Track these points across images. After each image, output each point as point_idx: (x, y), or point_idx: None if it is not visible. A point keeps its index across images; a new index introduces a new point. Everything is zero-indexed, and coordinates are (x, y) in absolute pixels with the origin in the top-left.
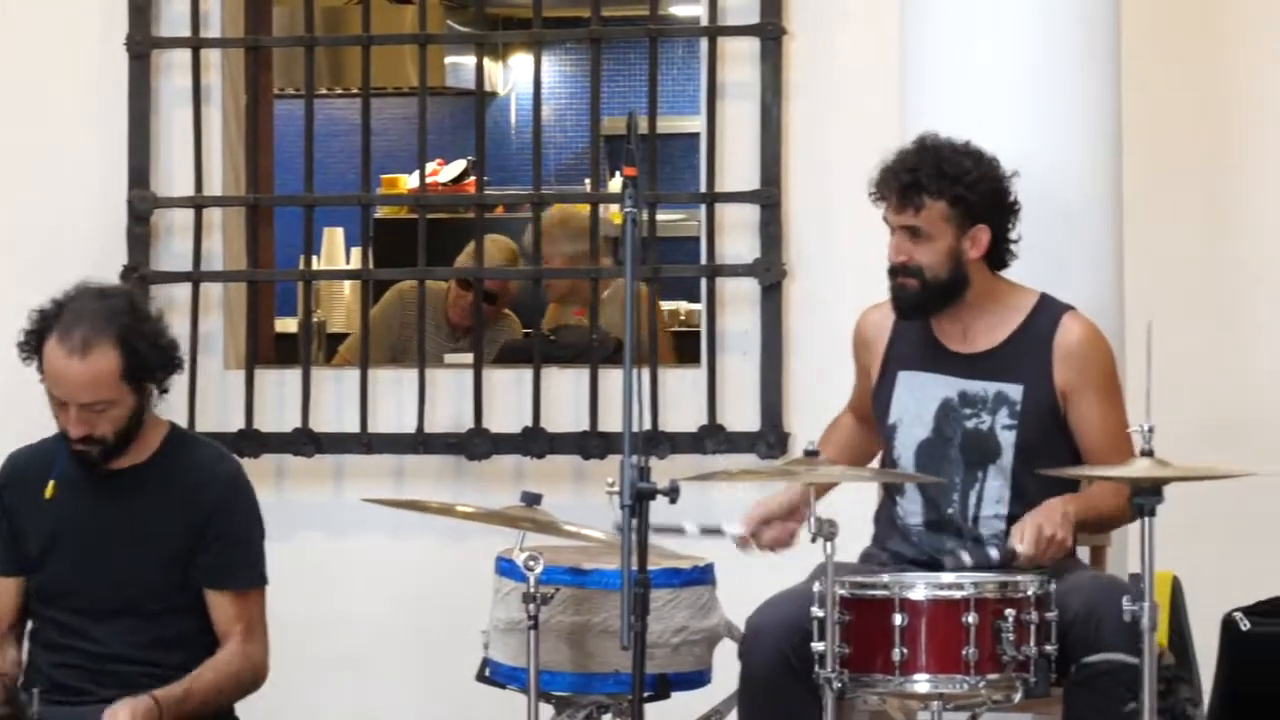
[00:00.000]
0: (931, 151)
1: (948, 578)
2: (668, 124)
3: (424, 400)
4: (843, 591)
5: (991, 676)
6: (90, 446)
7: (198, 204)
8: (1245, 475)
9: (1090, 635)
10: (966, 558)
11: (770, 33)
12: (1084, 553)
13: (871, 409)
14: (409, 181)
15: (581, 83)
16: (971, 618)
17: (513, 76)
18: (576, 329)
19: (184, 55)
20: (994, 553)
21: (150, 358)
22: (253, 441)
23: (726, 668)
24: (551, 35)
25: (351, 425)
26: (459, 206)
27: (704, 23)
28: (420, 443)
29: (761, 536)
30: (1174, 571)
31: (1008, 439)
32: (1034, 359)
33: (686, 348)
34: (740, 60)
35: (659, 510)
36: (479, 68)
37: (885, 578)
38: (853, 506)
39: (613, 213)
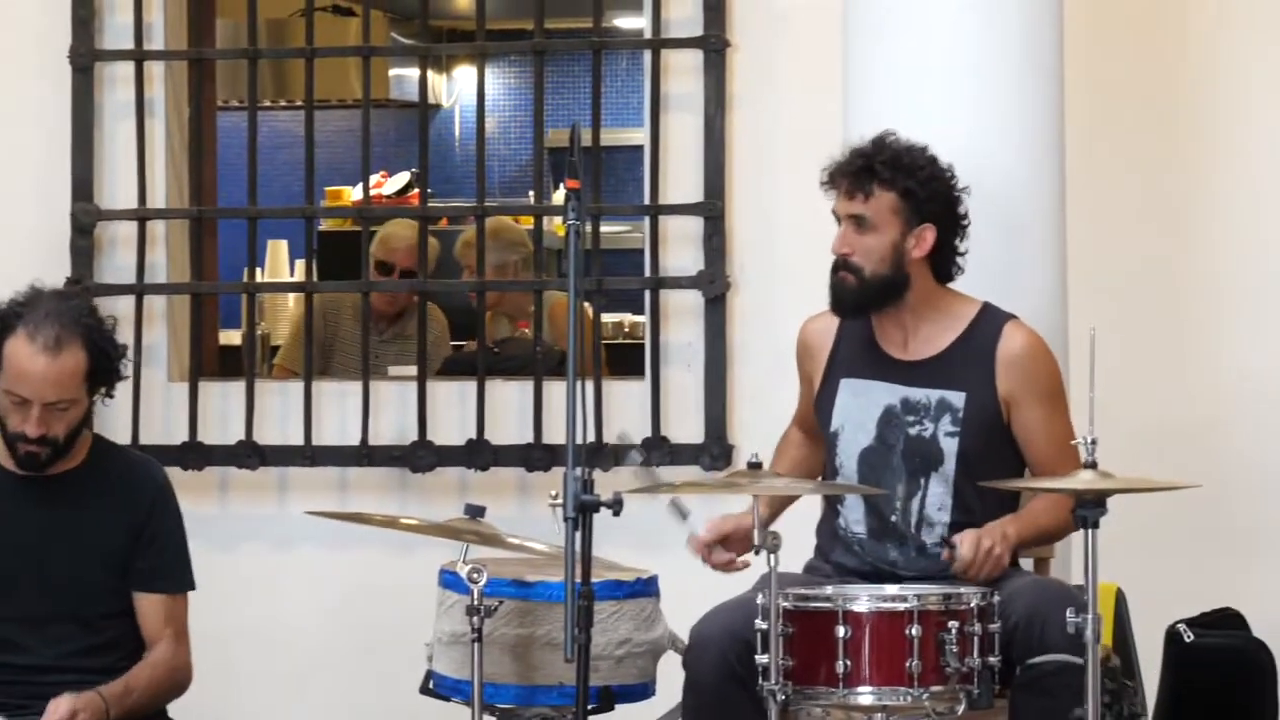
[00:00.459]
0: (888, 145)
1: (891, 589)
2: (611, 136)
3: (368, 413)
4: (786, 604)
5: (935, 688)
6: (43, 447)
7: (141, 216)
8: (1189, 487)
9: (1035, 638)
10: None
11: (713, 45)
12: (1027, 564)
13: (816, 417)
14: (353, 194)
15: (525, 95)
16: (915, 630)
17: (457, 89)
18: (520, 341)
19: (127, 68)
20: (931, 546)
21: (113, 360)
22: (196, 454)
23: (671, 680)
24: (495, 48)
25: (295, 438)
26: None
27: (647, 35)
28: (364, 455)
29: (714, 556)
30: (1117, 583)
31: (950, 446)
32: (977, 366)
33: (630, 360)
34: (684, 72)
35: (613, 527)
36: (423, 80)
37: (829, 590)
38: (797, 517)
39: (556, 225)
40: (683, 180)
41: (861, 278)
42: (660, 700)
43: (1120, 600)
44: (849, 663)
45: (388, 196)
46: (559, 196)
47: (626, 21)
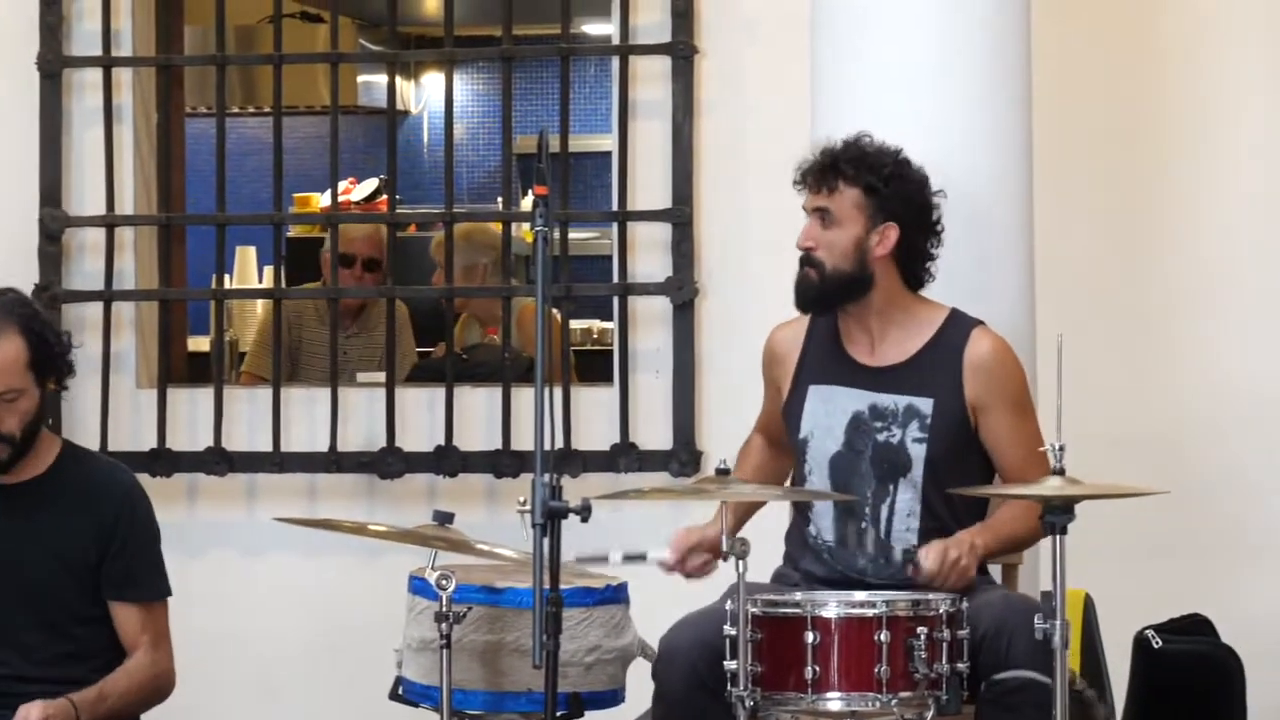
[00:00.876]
0: (858, 144)
1: (860, 595)
2: (580, 142)
3: (337, 419)
4: (755, 610)
5: (904, 694)
6: (1, 446)
7: (110, 223)
8: (1157, 493)
9: (1000, 653)
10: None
11: (682, 51)
12: (996, 571)
13: (783, 424)
14: (321, 200)
15: (494, 101)
16: (884, 635)
17: (425, 95)
18: (489, 348)
19: (95, 74)
20: (899, 556)
21: (54, 346)
22: (165, 461)
23: (640, 687)
24: (463, 54)
25: (264, 444)
26: (382, 232)
27: (616, 41)
28: (333, 462)
29: (688, 564)
30: (1086, 589)
31: (918, 452)
32: (944, 373)
33: (599, 366)
34: (652, 79)
35: (585, 537)
36: (391, 86)
37: (798, 596)
38: (764, 526)
39: (525, 231)
40: (651, 186)
41: (823, 272)
42: (629, 707)
43: (1089, 606)
44: (818, 668)
45: (356, 203)
46: (527, 203)
47: (595, 28)
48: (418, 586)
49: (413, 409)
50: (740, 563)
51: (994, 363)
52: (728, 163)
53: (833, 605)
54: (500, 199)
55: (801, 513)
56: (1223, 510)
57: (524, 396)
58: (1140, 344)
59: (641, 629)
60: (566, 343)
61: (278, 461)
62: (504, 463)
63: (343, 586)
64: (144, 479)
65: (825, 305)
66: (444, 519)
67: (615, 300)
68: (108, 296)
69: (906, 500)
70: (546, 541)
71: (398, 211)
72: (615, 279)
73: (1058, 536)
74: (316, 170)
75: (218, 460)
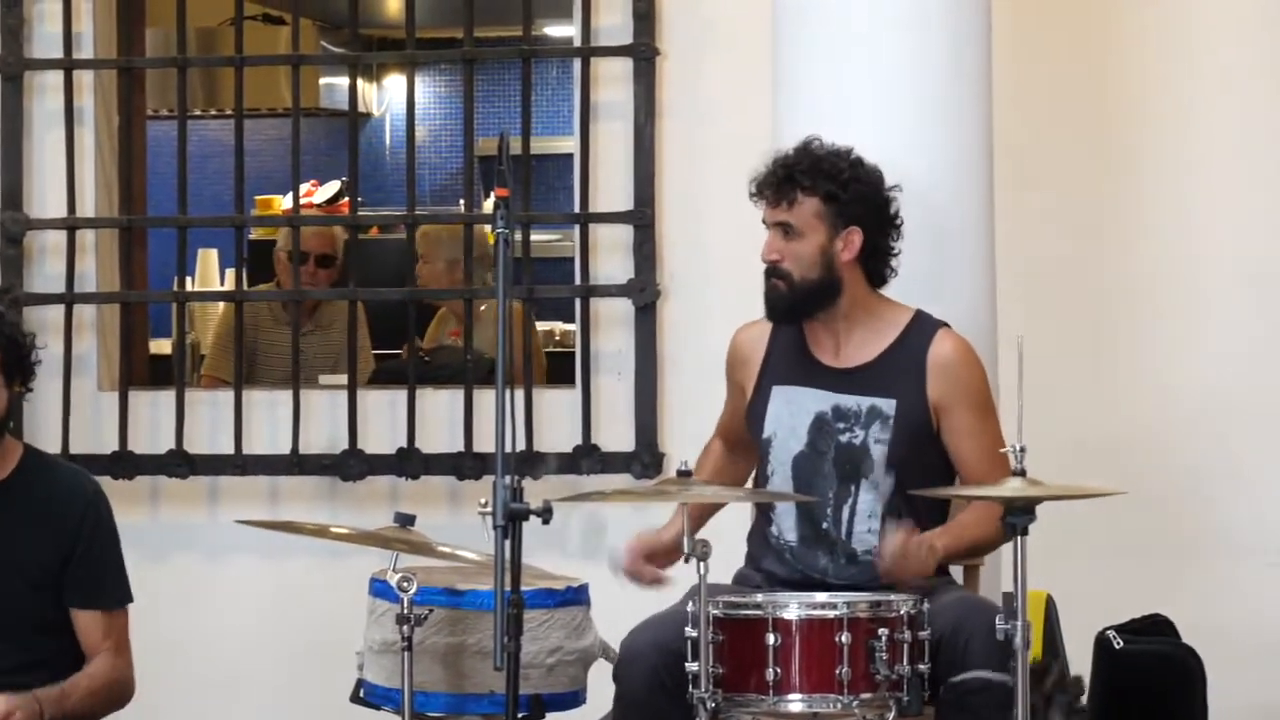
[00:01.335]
0: (810, 151)
1: (821, 597)
2: (541, 144)
3: (298, 421)
4: (716, 611)
5: (865, 695)
6: None
7: (71, 225)
8: (1117, 494)
9: (958, 654)
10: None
11: (643, 53)
12: (958, 573)
13: (746, 425)
14: (283, 203)
15: (455, 103)
16: (845, 637)
17: (387, 97)
18: (451, 349)
19: (57, 77)
20: (861, 556)
21: (23, 347)
22: (127, 463)
23: (601, 688)
24: (425, 56)
25: (226, 447)
26: (333, 227)
27: (577, 43)
28: (295, 464)
29: (643, 574)
30: (1048, 590)
31: (880, 453)
32: (908, 374)
33: (561, 368)
34: (613, 81)
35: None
36: (352, 89)
37: (759, 597)
38: (724, 526)
39: (487, 233)
40: (613, 188)
41: (791, 283)
42: (591, 709)
43: (1050, 607)
44: (779, 670)
45: (318, 205)
46: (490, 205)
47: (556, 30)
48: (379, 589)
49: (375, 411)
50: (701, 564)
51: (957, 363)
52: (690, 165)
53: (794, 607)
54: (462, 201)
55: (764, 513)
56: (1183, 511)
57: (486, 398)
58: (1101, 346)
59: (603, 630)
60: (529, 344)
61: (240, 464)
62: (466, 465)
63: (305, 589)
64: (106, 481)
65: (797, 315)
66: (405, 521)
67: (577, 302)
68: (69, 299)
69: (868, 501)
70: (508, 543)
71: (360, 214)
72: (577, 281)
73: (1019, 537)
74: (278, 172)
75: (179, 463)
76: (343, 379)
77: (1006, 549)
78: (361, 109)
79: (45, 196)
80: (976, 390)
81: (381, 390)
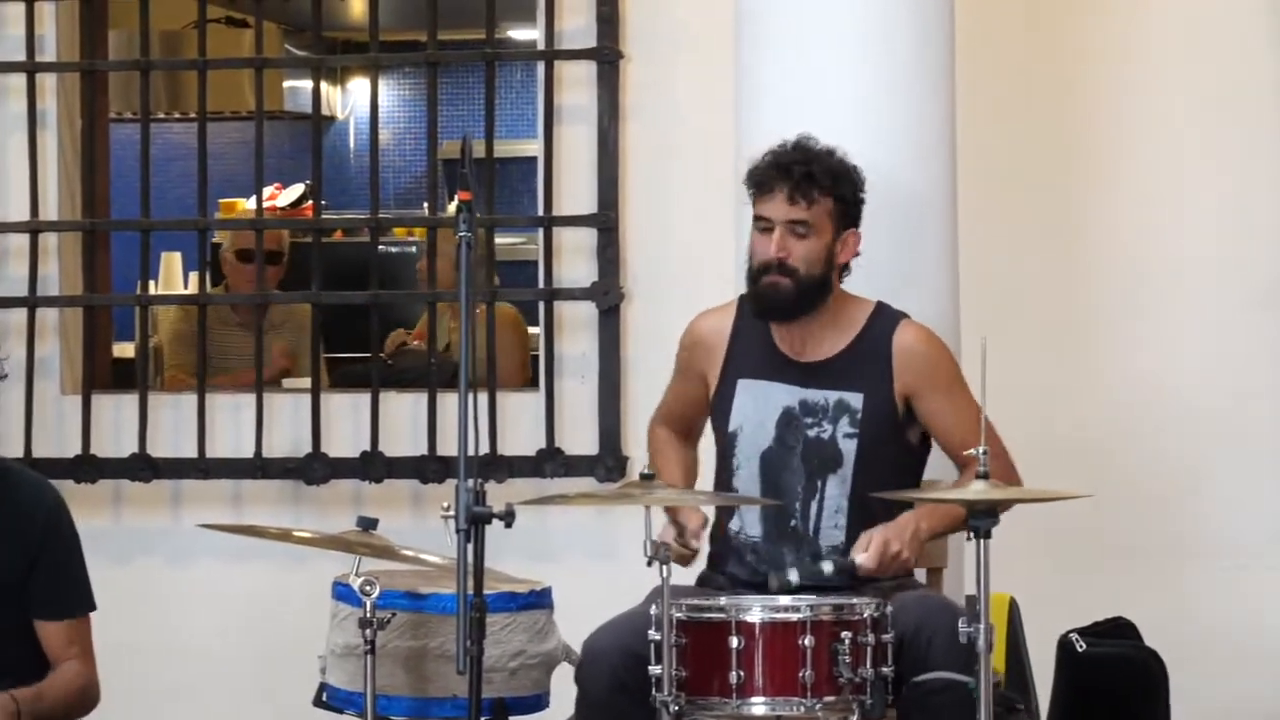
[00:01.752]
0: (818, 151)
1: (784, 600)
2: (505, 147)
3: (262, 425)
4: (679, 614)
5: (828, 698)
6: None
7: (34, 229)
8: (1081, 497)
9: (920, 654)
10: (794, 576)
11: (607, 56)
12: (921, 574)
13: (710, 417)
14: (247, 206)
15: (419, 106)
16: (808, 640)
17: (351, 100)
18: (415, 353)
19: (19, 79)
20: (828, 567)
21: None
22: (90, 467)
23: (564, 692)
24: (389, 59)
25: (189, 450)
26: (297, 230)
27: (541, 46)
28: (258, 467)
29: (690, 519)
30: (1011, 593)
31: (849, 448)
32: (873, 367)
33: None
34: (577, 84)
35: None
36: (316, 92)
37: (722, 600)
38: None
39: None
40: (576, 192)
41: (797, 279)
42: (554, 712)
43: (1014, 610)
44: (742, 673)
45: (282, 208)
46: (454, 208)
47: (520, 33)
48: (341, 592)
49: (338, 415)
50: (664, 567)
51: (921, 352)
52: (653, 168)
53: (757, 610)
54: (426, 204)
55: (726, 508)
56: (1148, 514)
57: (450, 402)
58: (1065, 347)
59: (566, 634)
60: (492, 348)
61: (203, 468)
62: (430, 468)
63: (268, 593)
64: (68, 485)
65: (795, 313)
66: (368, 525)
67: (541, 305)
68: (32, 302)
69: (835, 497)
70: (470, 547)
71: (323, 217)
72: (541, 284)
73: (981, 540)
74: (242, 176)
75: (142, 466)
76: (306, 382)
77: (970, 551)
78: (325, 112)
79: (8, 199)
80: (945, 372)
81: (345, 394)
